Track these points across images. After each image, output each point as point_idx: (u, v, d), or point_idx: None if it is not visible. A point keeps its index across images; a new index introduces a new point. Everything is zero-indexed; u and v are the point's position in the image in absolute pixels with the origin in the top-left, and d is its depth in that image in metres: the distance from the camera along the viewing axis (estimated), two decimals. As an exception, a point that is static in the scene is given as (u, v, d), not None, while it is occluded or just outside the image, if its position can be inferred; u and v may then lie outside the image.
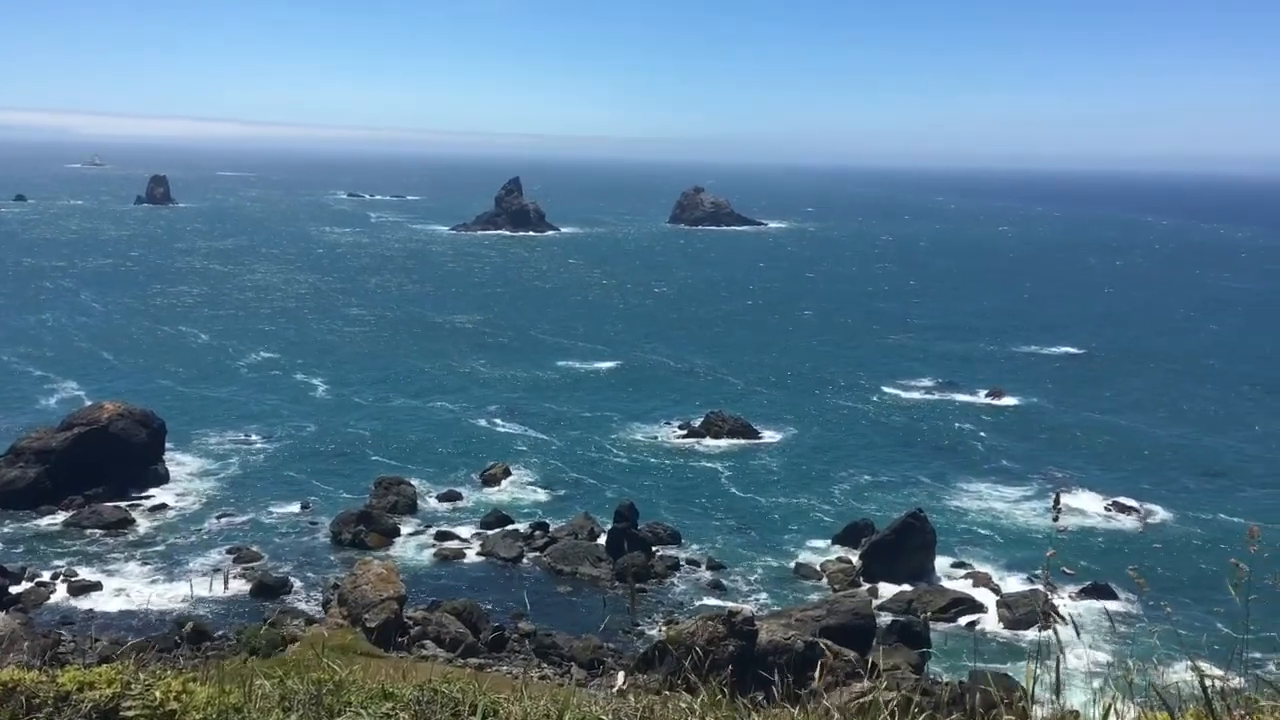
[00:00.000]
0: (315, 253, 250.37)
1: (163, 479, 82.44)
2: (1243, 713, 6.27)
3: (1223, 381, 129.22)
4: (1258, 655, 7.80)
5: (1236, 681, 6.90)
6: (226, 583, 64.63)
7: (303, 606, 62.73)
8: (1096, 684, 7.10)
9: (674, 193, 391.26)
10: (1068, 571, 65.34)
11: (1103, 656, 48.05)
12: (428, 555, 71.94)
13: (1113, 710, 6.67)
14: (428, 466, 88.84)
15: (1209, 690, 6.25)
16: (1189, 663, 6.74)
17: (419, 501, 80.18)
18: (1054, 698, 6.89)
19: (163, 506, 78.17)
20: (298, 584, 66.14)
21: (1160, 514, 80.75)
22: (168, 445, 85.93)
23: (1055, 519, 9.36)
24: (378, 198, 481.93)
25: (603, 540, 72.38)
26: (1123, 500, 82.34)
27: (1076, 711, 7.89)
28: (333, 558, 70.45)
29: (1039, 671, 7.11)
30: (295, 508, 78.99)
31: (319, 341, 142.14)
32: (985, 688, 7.18)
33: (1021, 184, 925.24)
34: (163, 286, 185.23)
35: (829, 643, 48.10)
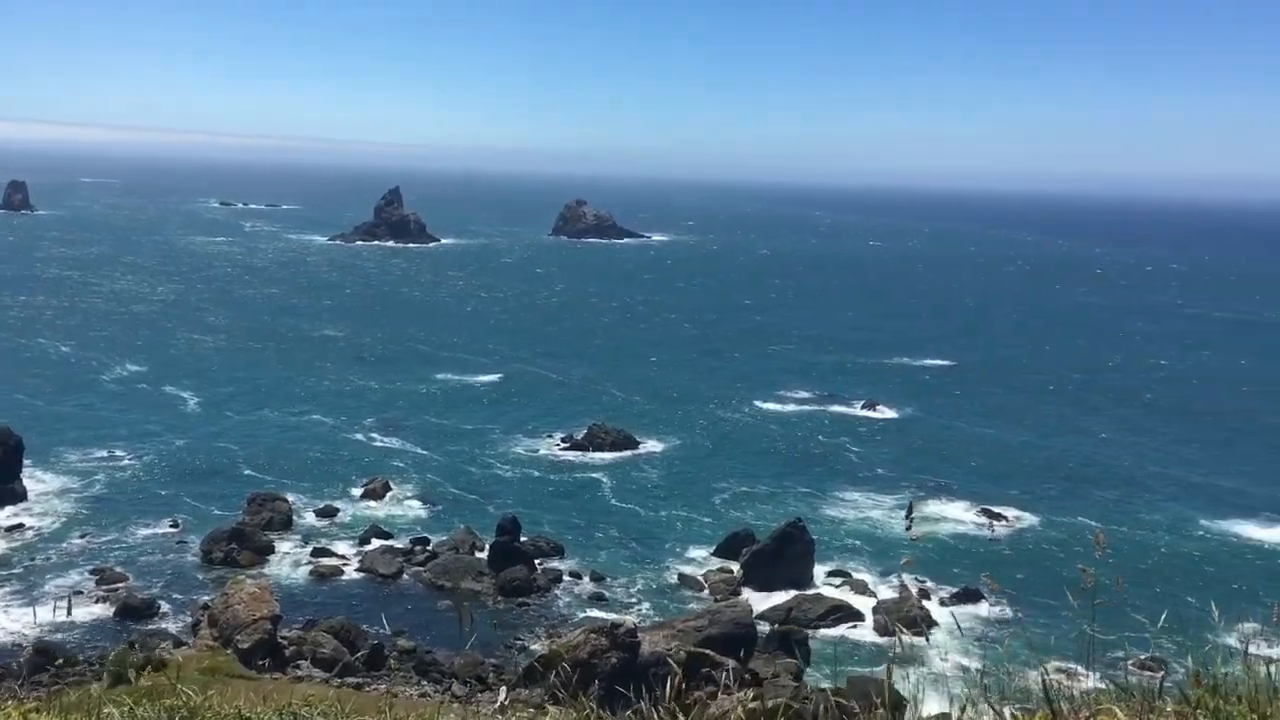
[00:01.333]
0: (184, 262, 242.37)
1: (20, 497, 78.66)
2: (1088, 713, 6.53)
3: (1078, 392, 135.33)
4: (1120, 654, 8.15)
5: (1088, 681, 7.18)
6: (70, 607, 60.63)
7: (171, 628, 60.50)
8: (956, 689, 7.32)
9: (557, 205, 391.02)
10: (920, 579, 67.40)
11: (967, 660, 49.57)
12: (304, 573, 70.16)
13: (966, 713, 6.88)
14: (303, 482, 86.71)
15: (1050, 691, 6.50)
16: (1047, 664, 6.99)
17: (294, 518, 78.20)
18: (891, 703, 7.07)
19: (19, 527, 74.51)
20: (166, 605, 63.77)
21: (1026, 519, 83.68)
22: (25, 462, 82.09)
23: (908, 528, 9.65)
24: (251, 206, 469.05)
25: (484, 555, 71.73)
26: (990, 507, 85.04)
27: (948, 714, 8.11)
28: (203, 577, 68.20)
29: (906, 676, 7.29)
30: (164, 526, 76.21)
31: (188, 354, 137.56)
32: (838, 699, 7.33)
33: (889, 200, 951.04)
34: (20, 296, 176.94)
35: (708, 652, 48.50)
